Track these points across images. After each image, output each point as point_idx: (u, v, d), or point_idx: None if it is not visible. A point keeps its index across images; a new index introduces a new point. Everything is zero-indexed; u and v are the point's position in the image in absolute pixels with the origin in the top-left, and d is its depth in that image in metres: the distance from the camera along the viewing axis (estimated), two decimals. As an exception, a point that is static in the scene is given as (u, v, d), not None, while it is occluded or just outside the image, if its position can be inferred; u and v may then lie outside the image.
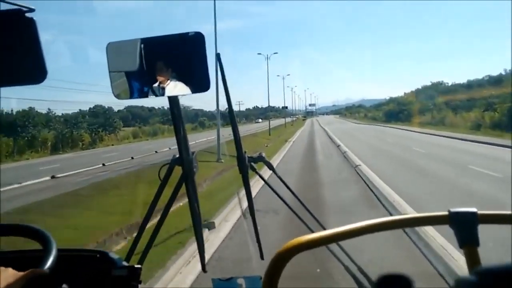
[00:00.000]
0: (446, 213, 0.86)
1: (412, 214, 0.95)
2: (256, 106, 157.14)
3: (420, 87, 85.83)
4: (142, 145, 37.65)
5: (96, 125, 46.20)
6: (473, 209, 0.85)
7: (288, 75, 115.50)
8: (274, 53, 66.32)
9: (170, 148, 28.39)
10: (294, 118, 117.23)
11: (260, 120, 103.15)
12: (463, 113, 45.45)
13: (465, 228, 0.84)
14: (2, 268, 1.07)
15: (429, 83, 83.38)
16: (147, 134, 58.32)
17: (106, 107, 68.26)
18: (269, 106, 64.04)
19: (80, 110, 51.10)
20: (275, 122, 79.69)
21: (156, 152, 27.05)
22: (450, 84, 79.02)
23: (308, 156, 20.91)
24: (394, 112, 71.24)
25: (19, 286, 1.03)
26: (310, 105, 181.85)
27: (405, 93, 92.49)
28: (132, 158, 23.65)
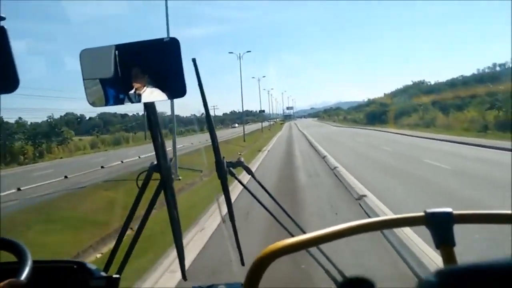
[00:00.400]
0: (422, 213, 0.87)
1: (386, 216, 0.96)
2: (233, 110, 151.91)
3: (401, 87, 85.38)
4: (94, 158, 33.06)
5: (39, 135, 39.72)
6: (449, 209, 0.87)
7: (264, 76, 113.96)
8: (247, 52, 61.09)
9: (122, 162, 25.82)
10: (271, 122, 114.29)
11: (236, 125, 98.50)
12: (455, 112, 41.66)
13: (441, 228, 0.85)
14: None
15: (410, 83, 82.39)
16: (108, 144, 51.80)
17: (79, 114, 67.04)
18: (243, 110, 60.02)
19: (48, 118, 47.06)
20: (252, 127, 75.84)
21: (102, 167, 23.65)
22: (433, 83, 76.35)
23: (286, 177, 14.27)
24: (377, 113, 67.87)
25: None
26: (287, 108, 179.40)
27: (385, 94, 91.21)
28: (66, 177, 19.50)
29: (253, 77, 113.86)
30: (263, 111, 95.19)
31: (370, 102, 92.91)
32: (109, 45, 1.32)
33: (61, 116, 59.76)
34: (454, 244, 0.85)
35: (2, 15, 0.91)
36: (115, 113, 76.66)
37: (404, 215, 0.91)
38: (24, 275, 1.09)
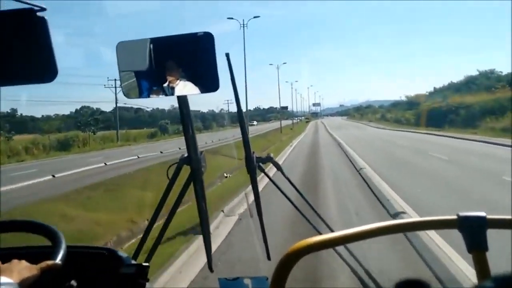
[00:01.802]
0: (455, 217, 0.85)
1: (419, 218, 0.94)
2: (257, 107, 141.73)
3: (463, 78, 59.35)
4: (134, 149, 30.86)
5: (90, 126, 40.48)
6: (482, 213, 0.85)
7: (284, 63, 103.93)
8: (284, 63, 59.91)
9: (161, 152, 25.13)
10: (296, 120, 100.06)
11: (255, 123, 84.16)
12: None
13: (474, 232, 0.83)
14: (16, 260, 1.09)
15: (474, 73, 56.98)
16: (49, 148, 37.50)
17: (95, 108, 61.42)
18: (245, 108, 50.47)
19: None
20: (273, 125, 66.20)
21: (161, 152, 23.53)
22: (503, 73, 50.28)
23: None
24: (440, 112, 44.55)
25: (34, 278, 1.06)
26: (314, 104, 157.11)
27: (435, 88, 68.22)
28: (161, 152, 21.25)
29: (287, 81, 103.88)
30: (286, 107, 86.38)
31: (410, 100, 73.57)
32: (144, 38, 1.34)
33: (76, 109, 58.53)
34: (487, 249, 0.83)
35: (43, 6, 0.94)
36: (131, 107, 71.70)
37: (436, 217, 0.89)
38: (59, 258, 1.14)
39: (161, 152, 25.47)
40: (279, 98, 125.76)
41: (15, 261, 1.09)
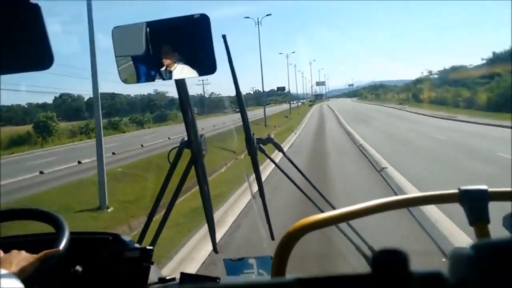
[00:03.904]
0: (456, 191, 0.86)
1: (420, 193, 0.95)
2: (257, 90, 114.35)
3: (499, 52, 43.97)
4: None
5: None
6: (484, 187, 0.85)
7: (293, 52, 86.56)
8: (268, 15, 48.77)
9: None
10: (298, 103, 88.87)
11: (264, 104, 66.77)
12: None
13: (475, 205, 0.84)
14: (15, 251, 1.10)
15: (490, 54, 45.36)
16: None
17: (76, 95, 61.06)
18: (237, 91, 40.52)
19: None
20: (270, 110, 53.55)
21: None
22: None
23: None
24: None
25: (33, 268, 1.07)
26: (318, 83, 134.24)
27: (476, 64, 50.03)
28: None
29: (281, 53, 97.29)
30: (283, 88, 76.17)
31: (444, 74, 57.06)
32: (140, 22, 1.33)
33: (55, 97, 57.01)
34: (489, 221, 0.83)
35: None
36: (121, 94, 67.74)
37: (438, 192, 0.89)
38: (62, 245, 1.15)
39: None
40: (289, 81, 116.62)
41: (14, 251, 1.10)
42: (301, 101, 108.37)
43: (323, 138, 20.48)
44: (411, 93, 64.60)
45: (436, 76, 65.64)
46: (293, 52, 77.43)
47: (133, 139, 28.67)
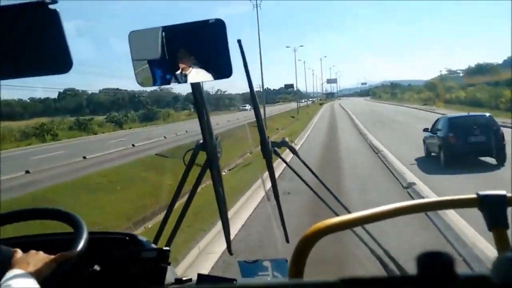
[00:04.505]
0: (474, 196, 0.85)
1: (438, 197, 0.94)
2: (267, 88, 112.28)
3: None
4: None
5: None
6: (503, 192, 0.84)
7: (301, 46, 79.83)
8: (301, 46, 51.47)
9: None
10: (307, 102, 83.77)
11: (247, 107, 56.87)
12: None
13: (494, 210, 0.83)
14: (33, 251, 1.11)
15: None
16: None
17: (80, 90, 59.48)
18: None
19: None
20: (277, 109, 52.40)
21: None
22: None
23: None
24: None
25: (50, 269, 1.08)
26: (328, 81, 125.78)
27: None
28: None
29: (288, 46, 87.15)
30: (291, 85, 67.30)
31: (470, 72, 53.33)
32: (156, 26, 1.34)
33: (59, 92, 54.66)
34: (508, 227, 0.82)
35: None
36: (122, 90, 64.82)
37: (456, 196, 0.88)
38: (79, 247, 1.17)
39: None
40: (296, 78, 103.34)
41: (32, 251, 1.11)
42: (311, 99, 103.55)
43: (336, 155, 14.03)
44: (435, 93, 56.12)
45: (461, 74, 61.75)
46: (301, 46, 74.14)
47: (84, 145, 24.41)
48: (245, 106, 62.25)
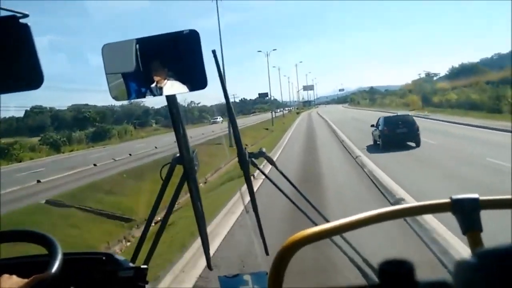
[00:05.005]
0: (448, 200, 0.86)
1: (412, 203, 0.95)
2: (243, 98, 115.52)
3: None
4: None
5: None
6: (475, 195, 0.86)
7: (275, 49, 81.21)
8: (274, 50, 51.94)
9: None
10: (283, 111, 79.42)
11: (219, 119, 53.29)
12: None
13: (467, 214, 0.84)
14: (6, 275, 1.07)
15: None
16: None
17: (48, 107, 54.07)
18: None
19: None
20: (251, 120, 51.05)
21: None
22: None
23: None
24: None
25: None
26: (305, 88, 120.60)
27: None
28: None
29: (259, 51, 71.95)
30: (265, 94, 63.77)
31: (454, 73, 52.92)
32: (130, 39, 1.33)
33: (26, 110, 50.58)
34: (481, 230, 0.84)
35: (25, 12, 0.92)
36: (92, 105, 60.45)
37: (430, 201, 0.90)
38: (54, 269, 1.13)
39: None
40: (269, 86, 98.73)
41: (5, 276, 1.07)
42: (287, 108, 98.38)
43: (316, 179, 11.56)
44: (420, 96, 51.88)
45: (438, 76, 59.21)
46: (275, 50, 72.07)
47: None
48: (216, 119, 56.67)
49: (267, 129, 35.88)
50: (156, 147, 27.34)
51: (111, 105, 60.75)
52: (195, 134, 26.26)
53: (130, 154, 25.11)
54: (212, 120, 61.73)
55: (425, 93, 51.73)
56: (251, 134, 29.68)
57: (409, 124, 17.16)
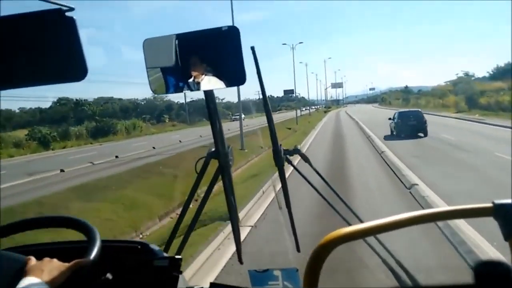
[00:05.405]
0: (490, 205, 0.83)
1: (452, 206, 0.92)
2: (270, 95, 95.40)
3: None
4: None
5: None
6: None
7: (301, 42, 71.58)
8: (300, 43, 48.12)
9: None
10: (309, 110, 73.94)
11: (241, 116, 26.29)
12: None
13: (510, 219, 0.81)
14: (47, 259, 1.11)
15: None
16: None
17: (75, 99, 51.22)
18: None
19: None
20: (275, 118, 34.21)
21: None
22: None
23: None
24: None
25: (64, 277, 1.07)
26: (333, 85, 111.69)
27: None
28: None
29: (284, 44, 69.50)
30: (291, 91, 54.25)
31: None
32: (170, 34, 1.36)
33: (52, 102, 49.62)
34: None
35: (71, 6, 0.95)
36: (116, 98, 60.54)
37: (471, 205, 0.87)
38: (92, 255, 1.17)
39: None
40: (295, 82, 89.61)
41: (46, 259, 1.11)
42: (314, 107, 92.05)
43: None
44: (464, 97, 45.66)
45: (488, 74, 53.78)
46: (301, 43, 66.70)
47: None
48: (237, 116, 42.56)
49: (289, 128, 32.79)
50: (154, 147, 24.48)
51: (135, 98, 62.11)
52: (205, 133, 23.06)
53: (116, 156, 20.75)
54: (233, 117, 53.82)
55: (472, 93, 44.77)
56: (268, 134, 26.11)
57: (419, 118, 21.16)
